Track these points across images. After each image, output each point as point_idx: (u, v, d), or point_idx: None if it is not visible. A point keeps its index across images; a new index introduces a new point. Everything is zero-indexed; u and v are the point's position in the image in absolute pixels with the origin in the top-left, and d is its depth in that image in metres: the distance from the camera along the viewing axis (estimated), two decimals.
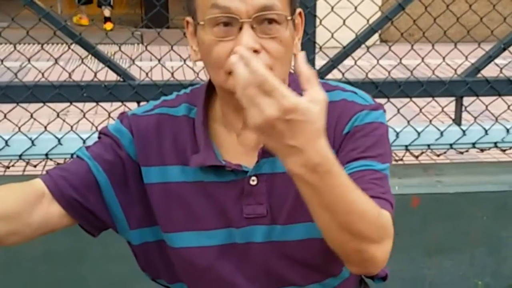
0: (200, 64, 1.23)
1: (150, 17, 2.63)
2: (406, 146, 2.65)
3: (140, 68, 2.53)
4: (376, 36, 2.56)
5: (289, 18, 1.13)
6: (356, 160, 1.15)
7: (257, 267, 1.21)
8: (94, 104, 2.46)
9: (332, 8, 2.47)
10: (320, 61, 2.59)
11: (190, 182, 1.20)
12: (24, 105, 2.41)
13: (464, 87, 2.67)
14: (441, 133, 2.66)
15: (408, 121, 2.65)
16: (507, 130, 2.71)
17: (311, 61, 2.48)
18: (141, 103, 2.38)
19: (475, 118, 2.73)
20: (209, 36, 1.10)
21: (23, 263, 2.36)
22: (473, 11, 2.69)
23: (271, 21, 1.10)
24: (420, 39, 2.63)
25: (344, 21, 2.44)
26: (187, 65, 2.45)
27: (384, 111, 1.24)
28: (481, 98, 2.72)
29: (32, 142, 2.40)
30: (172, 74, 2.46)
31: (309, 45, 2.40)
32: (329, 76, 2.56)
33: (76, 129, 2.47)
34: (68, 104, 2.44)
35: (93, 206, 1.20)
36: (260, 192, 1.18)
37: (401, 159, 2.75)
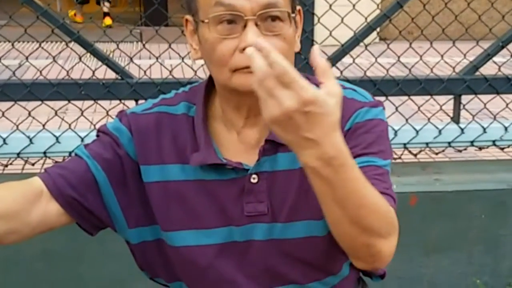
0: (198, 62, 1.23)
1: (150, 15, 2.63)
2: (405, 144, 2.65)
3: (139, 66, 2.53)
4: (374, 34, 2.56)
5: (293, 15, 1.13)
6: (358, 157, 1.14)
7: (257, 265, 1.21)
8: (93, 102, 2.46)
9: (330, 6, 2.47)
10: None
11: (190, 180, 1.19)
12: (23, 103, 2.41)
13: (463, 85, 2.67)
14: (440, 131, 2.67)
15: (407, 119, 2.65)
16: (506, 128, 2.72)
17: (308, 59, 2.47)
18: (139, 101, 2.38)
19: (474, 116, 2.73)
20: (213, 34, 1.10)
21: (21, 261, 2.35)
22: (471, 9, 2.69)
23: (274, 18, 1.10)
24: (419, 37, 2.63)
25: (342, 19, 2.44)
26: (185, 63, 2.45)
27: (384, 108, 1.24)
28: (480, 96, 2.72)
29: (30, 140, 2.40)
30: (170, 72, 2.46)
31: (307, 43, 2.40)
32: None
33: (75, 127, 2.46)
34: (66, 102, 2.44)
35: (92, 205, 1.20)
36: (260, 190, 1.18)
37: (400, 157, 2.76)
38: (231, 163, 1.18)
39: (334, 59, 2.55)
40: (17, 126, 2.42)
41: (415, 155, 2.76)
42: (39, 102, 2.41)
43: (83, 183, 1.19)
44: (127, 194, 1.21)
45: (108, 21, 8.35)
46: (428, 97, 2.69)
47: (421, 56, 2.64)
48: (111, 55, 2.52)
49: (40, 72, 2.41)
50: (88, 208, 1.20)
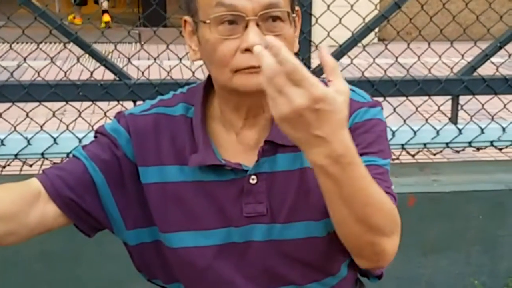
0: (197, 63, 1.23)
1: (149, 16, 2.63)
2: (403, 145, 2.66)
3: (137, 67, 2.54)
4: (372, 35, 2.57)
5: (293, 15, 1.14)
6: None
7: (256, 266, 1.21)
8: (91, 103, 2.46)
9: (328, 6, 2.47)
10: (316, 60, 2.59)
11: (189, 181, 1.19)
12: (21, 104, 2.41)
13: (460, 85, 2.67)
14: (437, 132, 2.67)
15: (405, 120, 2.65)
16: (503, 129, 2.72)
17: (306, 59, 2.48)
18: (137, 102, 2.38)
19: (471, 117, 2.73)
20: (214, 34, 1.10)
21: (19, 262, 2.35)
22: (469, 10, 2.70)
23: (275, 18, 1.10)
24: (418, 38, 2.63)
25: (340, 19, 2.44)
26: (183, 64, 2.45)
27: (382, 108, 1.24)
28: (478, 96, 2.73)
29: (28, 141, 2.40)
30: (168, 73, 2.46)
31: (305, 44, 2.40)
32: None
33: (73, 129, 2.46)
34: (64, 103, 2.43)
35: (90, 206, 1.19)
36: (259, 191, 1.18)
37: (398, 158, 2.76)
38: (230, 164, 1.17)
39: None
40: (15, 127, 2.42)
41: (413, 155, 2.76)
42: (37, 103, 2.41)
43: (81, 185, 1.18)
44: (125, 195, 1.21)
45: (106, 17, 8.37)
46: (426, 97, 2.69)
47: (419, 57, 2.64)
48: (109, 56, 2.52)
49: (38, 73, 2.41)
50: (86, 209, 1.19)
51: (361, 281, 1.38)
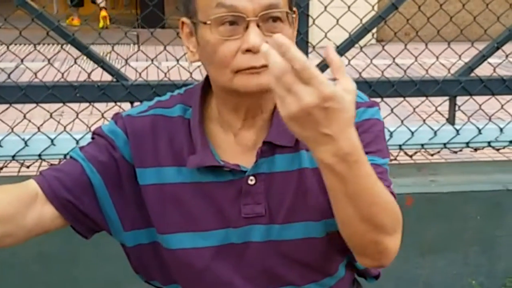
0: (194, 64, 1.23)
1: (147, 18, 2.62)
2: (400, 145, 2.66)
3: (135, 68, 2.53)
4: (370, 35, 2.57)
5: (293, 15, 1.14)
6: None
7: (254, 267, 1.21)
8: (88, 104, 2.46)
9: (326, 7, 2.47)
10: (314, 61, 2.59)
11: (187, 183, 1.19)
12: (20, 106, 2.40)
13: (458, 86, 2.67)
14: (435, 133, 2.67)
15: (402, 121, 2.65)
16: (501, 130, 2.72)
17: None
18: (135, 104, 2.38)
19: (469, 117, 2.73)
20: (215, 35, 1.09)
21: (16, 264, 2.35)
22: (466, 11, 2.70)
23: (275, 19, 1.10)
24: (416, 39, 2.63)
25: (337, 20, 2.44)
26: (180, 65, 2.45)
27: (379, 108, 1.25)
28: (475, 97, 2.73)
29: (25, 142, 2.39)
30: (165, 74, 2.46)
31: (302, 45, 2.40)
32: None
33: (71, 130, 2.46)
34: (61, 104, 2.43)
35: (87, 208, 1.19)
36: (258, 192, 1.18)
37: (395, 159, 2.76)
38: (229, 165, 1.17)
39: None
40: (12, 128, 2.42)
41: (411, 156, 2.76)
42: (35, 105, 2.41)
43: (79, 186, 1.18)
44: (122, 197, 1.21)
45: (104, 12, 8.40)
46: (424, 98, 2.69)
47: (416, 58, 2.64)
48: (107, 58, 2.52)
49: (35, 74, 2.41)
50: (84, 211, 1.19)
51: (358, 281, 1.38)
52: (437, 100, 2.74)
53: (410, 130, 2.64)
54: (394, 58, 2.61)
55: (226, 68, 1.10)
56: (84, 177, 1.19)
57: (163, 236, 1.21)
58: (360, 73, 2.61)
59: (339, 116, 0.90)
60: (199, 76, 1.30)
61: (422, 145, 2.69)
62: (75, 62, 2.41)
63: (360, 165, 0.96)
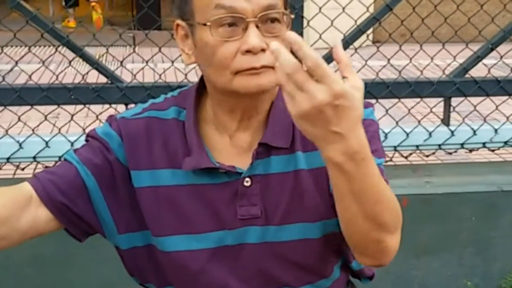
0: (190, 66, 1.22)
1: (144, 19, 2.62)
2: (395, 147, 2.66)
3: (129, 70, 2.53)
4: (365, 37, 2.57)
5: (292, 16, 1.14)
6: None
7: (250, 268, 1.21)
8: (83, 106, 2.46)
9: (320, 9, 2.47)
10: None
11: (182, 185, 1.19)
12: (15, 108, 2.40)
13: (452, 87, 2.68)
14: (430, 134, 2.67)
15: (397, 122, 2.65)
16: (495, 130, 2.72)
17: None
18: (129, 105, 2.38)
19: (463, 118, 2.74)
20: (214, 37, 1.09)
21: (10, 267, 2.35)
22: (462, 12, 2.70)
23: (273, 20, 1.10)
24: (413, 40, 2.63)
25: (332, 22, 2.45)
26: (175, 67, 2.45)
27: (374, 109, 1.25)
28: (470, 98, 2.73)
29: (20, 145, 2.39)
30: (160, 76, 2.46)
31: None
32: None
33: (67, 132, 2.46)
34: (56, 106, 2.43)
35: (81, 211, 1.19)
36: (254, 193, 1.18)
37: (391, 160, 2.76)
38: (224, 166, 1.17)
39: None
40: (7, 131, 2.42)
41: (406, 157, 2.77)
42: (31, 107, 2.41)
43: (73, 189, 1.18)
44: (117, 199, 1.21)
45: (97, 7, 8.44)
46: (418, 99, 2.69)
47: (411, 59, 2.64)
48: (101, 59, 2.52)
49: (30, 76, 2.40)
50: (78, 213, 1.19)
51: (352, 282, 1.38)
52: (434, 101, 2.74)
53: (405, 132, 2.64)
54: (389, 60, 2.62)
55: (225, 69, 1.10)
56: (79, 179, 1.18)
57: (158, 238, 1.21)
58: None
59: (349, 114, 0.91)
60: (194, 77, 1.30)
61: (417, 146, 2.69)
62: (70, 64, 2.41)
63: (367, 163, 0.96)
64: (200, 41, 1.12)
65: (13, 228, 1.14)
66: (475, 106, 2.73)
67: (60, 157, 2.37)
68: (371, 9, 2.73)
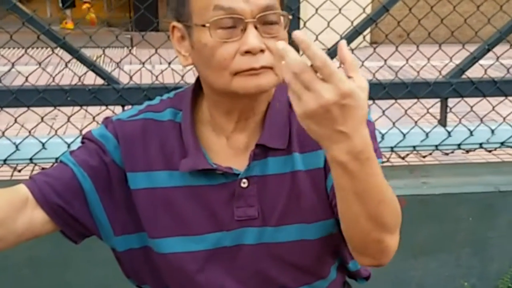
0: (187, 67, 1.22)
1: (141, 21, 2.63)
2: (392, 147, 2.66)
3: (125, 72, 2.53)
4: (362, 38, 2.57)
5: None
6: None
7: (247, 269, 1.21)
8: (80, 108, 2.46)
9: (317, 10, 2.47)
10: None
11: (179, 186, 1.19)
12: (13, 109, 2.40)
13: (449, 88, 2.68)
14: (427, 135, 2.67)
15: (394, 123, 2.65)
16: (492, 131, 2.73)
17: None
18: (126, 107, 2.37)
19: (460, 119, 2.74)
20: (213, 38, 1.09)
21: (7, 268, 2.34)
22: (458, 13, 2.71)
23: (271, 21, 1.10)
24: (410, 41, 2.63)
25: (328, 23, 2.45)
26: (172, 68, 2.45)
27: (370, 109, 1.25)
28: (466, 99, 2.73)
29: (17, 146, 2.39)
30: (157, 77, 2.46)
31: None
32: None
33: (65, 133, 2.46)
34: (52, 108, 2.43)
35: (78, 213, 1.19)
36: (251, 194, 1.18)
37: (388, 160, 2.76)
38: (221, 168, 1.17)
39: None
40: (3, 132, 2.42)
41: (403, 158, 2.77)
42: (28, 109, 2.41)
43: (69, 191, 1.18)
44: (113, 201, 1.20)
45: (86, 5, 8.48)
46: (415, 100, 2.69)
47: (407, 60, 2.65)
48: (98, 61, 2.52)
49: (26, 78, 2.40)
50: (74, 215, 1.19)
51: (348, 283, 1.38)
52: (431, 101, 2.75)
53: (401, 132, 2.65)
54: (385, 60, 2.62)
55: (224, 70, 1.10)
56: (75, 181, 1.18)
57: (154, 240, 1.21)
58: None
59: (355, 114, 0.91)
60: (192, 79, 1.30)
61: (414, 147, 2.69)
62: (66, 66, 2.41)
63: (371, 163, 0.96)
64: (198, 43, 1.12)
65: (9, 230, 1.13)
66: (471, 107, 2.73)
67: (56, 159, 2.37)
68: (368, 10, 2.72)
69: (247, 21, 1.08)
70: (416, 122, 2.70)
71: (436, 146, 2.71)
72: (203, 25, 1.09)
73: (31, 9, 2.42)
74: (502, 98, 2.78)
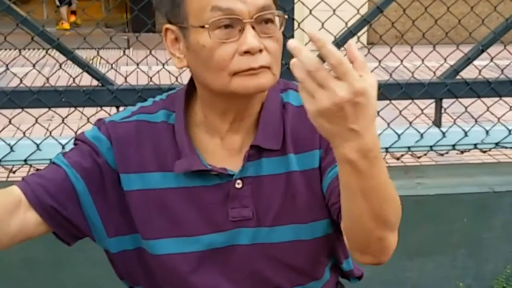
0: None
1: (138, 22, 2.62)
2: (387, 148, 2.66)
3: (121, 74, 2.53)
4: (356, 39, 2.57)
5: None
6: None
7: (242, 270, 1.21)
8: (74, 109, 2.45)
9: (311, 11, 2.48)
10: None
11: (173, 188, 1.19)
12: (9, 111, 2.40)
13: (444, 89, 2.68)
14: (421, 135, 2.67)
15: (388, 124, 2.66)
16: (487, 132, 2.73)
17: (289, 64, 2.47)
18: (121, 108, 2.37)
19: (455, 120, 2.74)
20: (212, 39, 1.09)
21: (1, 270, 2.34)
22: (453, 14, 2.71)
23: (267, 21, 1.10)
24: (410, 41, 2.63)
25: (322, 24, 2.45)
26: (166, 69, 2.45)
27: None
28: (461, 99, 2.74)
29: (11, 148, 2.39)
30: (151, 78, 2.46)
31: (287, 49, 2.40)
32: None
33: (61, 135, 2.45)
34: (47, 109, 2.43)
35: (71, 214, 1.19)
36: (245, 195, 1.18)
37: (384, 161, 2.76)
38: (216, 169, 1.18)
39: None
40: None
41: (398, 158, 2.77)
42: (23, 110, 2.41)
43: (62, 192, 1.18)
44: (106, 202, 1.20)
45: (67, 25, 8.51)
46: (409, 101, 2.70)
47: (401, 60, 2.65)
48: (95, 62, 2.52)
49: (21, 80, 2.40)
50: (67, 217, 1.19)
51: (341, 283, 1.39)
52: (425, 102, 2.75)
53: (396, 133, 2.65)
54: (380, 61, 2.62)
55: (223, 71, 1.10)
56: (68, 183, 1.18)
57: (148, 241, 1.21)
58: None
59: (366, 112, 0.91)
60: (187, 80, 1.31)
61: (409, 147, 2.70)
62: (60, 67, 2.41)
63: (379, 161, 0.97)
64: (196, 44, 1.11)
65: (2, 232, 1.13)
66: (466, 108, 2.74)
67: (51, 160, 2.36)
68: (364, 10, 2.72)
69: (245, 21, 1.08)
70: (411, 123, 2.70)
71: (431, 146, 2.71)
72: (202, 26, 1.09)
73: (27, 11, 2.42)
74: (496, 99, 2.78)
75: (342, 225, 1.09)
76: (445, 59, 2.68)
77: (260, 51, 1.09)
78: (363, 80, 0.89)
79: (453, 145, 2.73)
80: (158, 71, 2.51)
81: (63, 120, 2.46)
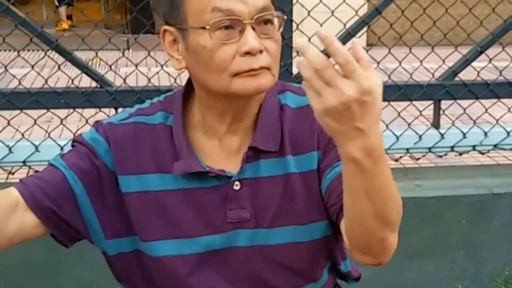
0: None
1: (138, 23, 2.62)
2: (385, 150, 2.65)
3: (120, 75, 2.53)
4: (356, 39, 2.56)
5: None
6: None
7: (240, 271, 1.21)
8: (73, 110, 2.45)
9: (309, 12, 2.48)
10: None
11: (171, 190, 1.19)
12: (9, 112, 2.40)
13: (442, 90, 2.68)
14: (420, 137, 2.67)
15: (387, 125, 2.65)
16: (485, 133, 2.73)
17: (288, 65, 2.48)
18: (119, 110, 2.37)
19: (453, 121, 2.74)
20: (213, 40, 1.09)
21: None
22: (451, 16, 2.71)
23: (267, 22, 1.11)
24: (409, 43, 2.64)
25: (321, 25, 2.45)
26: (164, 70, 2.45)
27: None
28: (459, 101, 2.74)
29: (10, 149, 2.39)
30: (149, 80, 2.46)
31: (286, 50, 2.40)
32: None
33: (61, 136, 2.45)
34: (46, 110, 2.43)
35: (69, 216, 1.18)
36: (243, 197, 1.18)
37: None
38: (214, 170, 1.18)
39: None
40: None
41: (397, 160, 2.77)
42: (21, 111, 2.41)
43: (60, 194, 1.17)
44: (104, 204, 1.20)
45: (65, 26, 8.50)
46: (408, 103, 2.69)
47: (400, 62, 2.65)
48: (94, 63, 2.52)
49: (19, 81, 2.40)
50: (65, 219, 1.18)
51: (339, 285, 1.39)
52: (423, 104, 2.75)
53: (395, 135, 2.65)
54: (378, 63, 2.62)
55: (223, 72, 1.10)
56: (66, 185, 1.18)
57: (146, 243, 1.21)
58: None
59: (372, 111, 0.91)
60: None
61: (407, 149, 2.69)
62: (59, 68, 2.41)
63: (383, 161, 0.97)
64: (196, 45, 1.11)
65: (0, 233, 1.13)
66: (464, 109, 2.74)
67: (50, 162, 2.36)
68: (363, 12, 2.72)
69: (246, 22, 1.08)
70: (409, 124, 2.70)
71: (429, 148, 2.71)
72: (203, 28, 1.09)
73: (26, 12, 2.42)
74: (495, 100, 2.79)
75: (343, 226, 1.10)
76: (443, 61, 2.68)
77: (260, 52, 1.09)
78: (369, 79, 0.89)
79: (452, 147, 2.73)
80: (157, 72, 2.51)
81: (62, 122, 2.46)
